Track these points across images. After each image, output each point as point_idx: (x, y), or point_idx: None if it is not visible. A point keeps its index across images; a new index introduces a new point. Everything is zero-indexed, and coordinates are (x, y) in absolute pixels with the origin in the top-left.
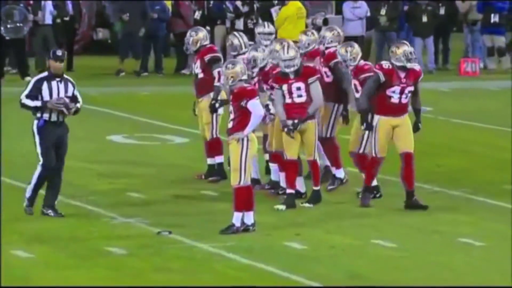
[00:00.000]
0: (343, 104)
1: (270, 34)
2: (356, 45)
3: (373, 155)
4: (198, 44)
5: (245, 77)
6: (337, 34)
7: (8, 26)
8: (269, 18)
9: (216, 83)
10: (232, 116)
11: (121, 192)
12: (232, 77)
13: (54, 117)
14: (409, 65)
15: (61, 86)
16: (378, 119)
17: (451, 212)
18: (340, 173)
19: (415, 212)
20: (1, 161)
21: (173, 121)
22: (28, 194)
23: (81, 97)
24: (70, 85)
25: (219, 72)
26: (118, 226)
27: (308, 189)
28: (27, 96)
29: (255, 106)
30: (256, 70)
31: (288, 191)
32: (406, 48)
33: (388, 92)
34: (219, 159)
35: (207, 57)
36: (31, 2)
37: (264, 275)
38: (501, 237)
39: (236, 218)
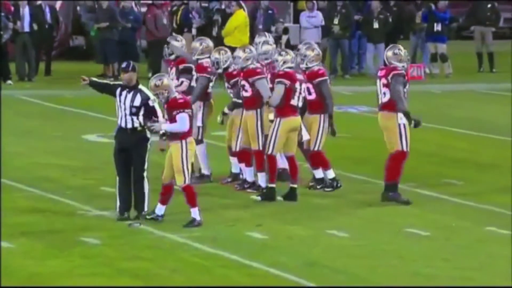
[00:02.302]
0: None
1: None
2: (319, 50)
3: (404, 150)
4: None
5: (175, 82)
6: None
7: None
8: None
9: None
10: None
11: (95, 187)
12: (166, 90)
13: (123, 124)
14: (407, 65)
15: (129, 95)
16: (402, 117)
17: (400, 204)
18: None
19: (367, 205)
20: (1, 161)
21: None
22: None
23: (161, 113)
24: (138, 96)
25: (183, 82)
26: (92, 219)
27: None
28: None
29: (182, 120)
30: (220, 71)
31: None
32: (404, 49)
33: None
34: None
35: (181, 66)
36: (3, 9)
37: (227, 262)
38: (444, 227)
39: (194, 213)
